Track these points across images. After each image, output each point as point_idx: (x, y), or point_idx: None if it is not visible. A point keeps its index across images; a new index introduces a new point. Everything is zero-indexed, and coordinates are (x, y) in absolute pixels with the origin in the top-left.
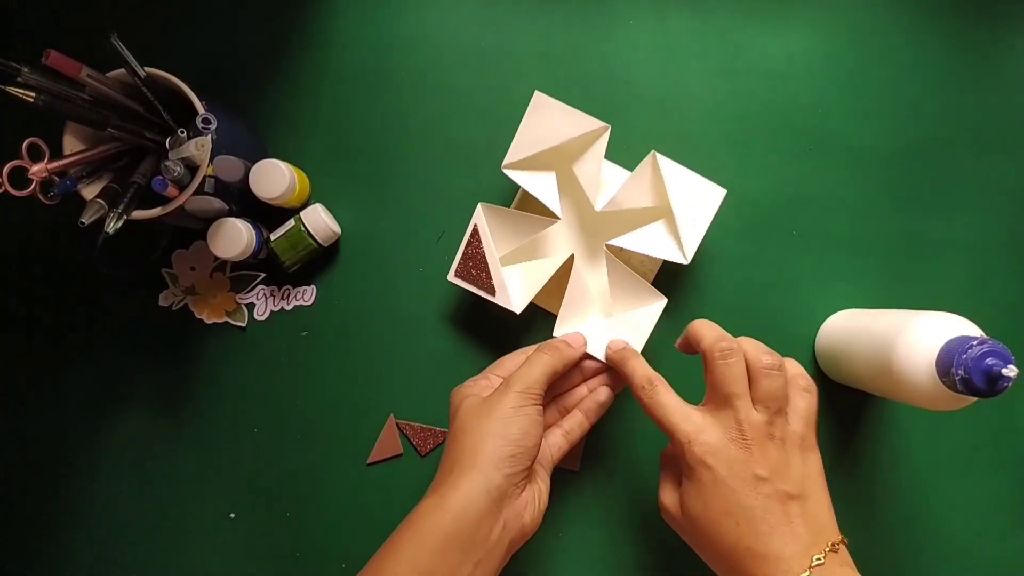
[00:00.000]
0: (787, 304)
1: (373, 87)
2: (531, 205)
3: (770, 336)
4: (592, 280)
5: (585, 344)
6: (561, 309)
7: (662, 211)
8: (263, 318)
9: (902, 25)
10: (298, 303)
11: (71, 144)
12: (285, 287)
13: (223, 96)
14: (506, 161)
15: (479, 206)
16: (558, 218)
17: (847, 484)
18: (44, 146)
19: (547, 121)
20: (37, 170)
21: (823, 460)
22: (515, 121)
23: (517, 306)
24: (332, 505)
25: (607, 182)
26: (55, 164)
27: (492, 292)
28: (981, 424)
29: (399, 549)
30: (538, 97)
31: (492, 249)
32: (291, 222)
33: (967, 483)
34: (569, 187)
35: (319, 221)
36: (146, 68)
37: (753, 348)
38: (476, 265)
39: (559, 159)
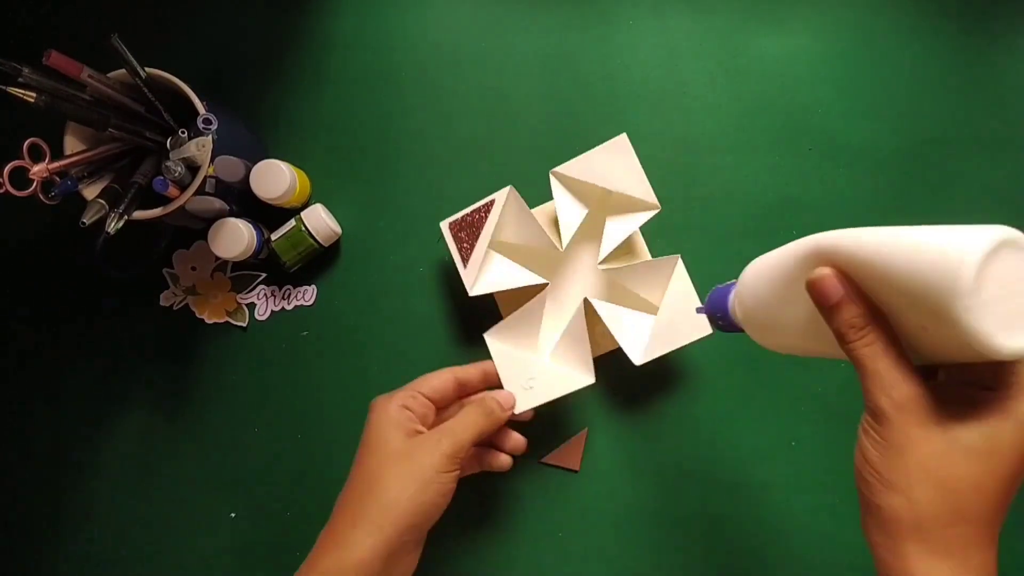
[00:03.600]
0: None
1: (373, 87)
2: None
3: None
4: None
5: (514, 406)
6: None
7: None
8: (264, 318)
9: (901, 26)
10: (299, 303)
11: (72, 144)
12: (286, 287)
13: (224, 96)
14: (559, 168)
15: (508, 188)
16: (559, 249)
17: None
18: (45, 146)
19: (613, 163)
20: (38, 170)
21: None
22: (514, 122)
23: (474, 289)
24: (332, 505)
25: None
26: (56, 164)
27: (464, 263)
28: None
29: None
30: (622, 139)
31: (491, 228)
32: (292, 222)
33: None
34: (590, 234)
35: (320, 221)
36: (147, 68)
37: None
38: (468, 231)
39: (598, 204)
